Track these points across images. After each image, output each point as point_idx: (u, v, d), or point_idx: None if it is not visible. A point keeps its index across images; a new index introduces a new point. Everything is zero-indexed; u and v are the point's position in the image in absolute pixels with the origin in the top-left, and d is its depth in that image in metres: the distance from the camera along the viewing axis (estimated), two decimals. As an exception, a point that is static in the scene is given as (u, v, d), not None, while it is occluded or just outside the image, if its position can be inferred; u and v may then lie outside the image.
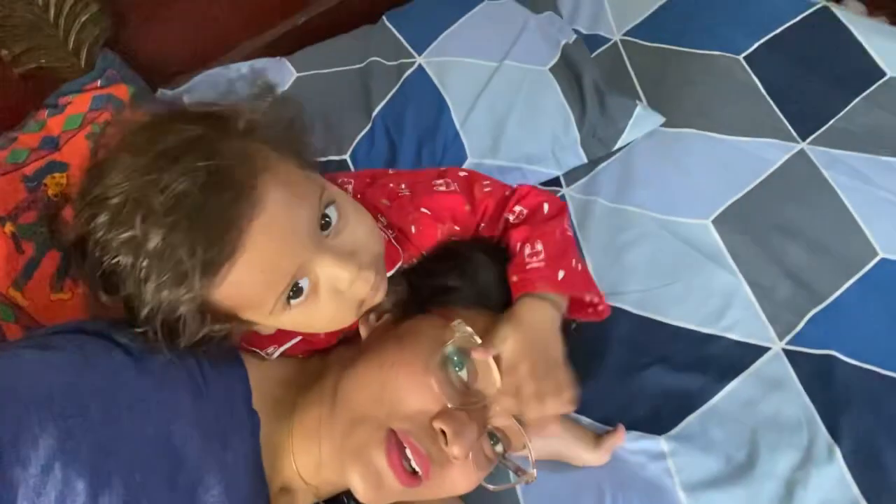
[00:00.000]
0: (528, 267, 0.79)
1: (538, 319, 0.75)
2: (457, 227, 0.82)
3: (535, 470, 0.73)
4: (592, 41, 1.31)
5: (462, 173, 0.88)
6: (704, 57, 1.26)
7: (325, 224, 0.65)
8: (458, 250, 0.82)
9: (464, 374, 0.70)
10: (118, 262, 0.59)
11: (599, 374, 0.97)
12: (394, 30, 1.21)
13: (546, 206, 0.85)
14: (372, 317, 0.78)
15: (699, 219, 1.09)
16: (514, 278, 0.78)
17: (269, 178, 0.60)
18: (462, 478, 0.70)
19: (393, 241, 0.78)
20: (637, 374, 0.96)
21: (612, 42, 1.31)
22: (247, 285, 0.61)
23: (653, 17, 1.32)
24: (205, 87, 1.08)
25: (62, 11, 1.02)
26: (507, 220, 0.84)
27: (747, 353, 0.97)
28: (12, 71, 1.02)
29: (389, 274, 0.75)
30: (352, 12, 1.30)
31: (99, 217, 0.59)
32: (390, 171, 0.91)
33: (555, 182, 1.17)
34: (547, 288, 0.77)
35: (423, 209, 0.81)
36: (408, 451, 0.66)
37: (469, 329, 0.71)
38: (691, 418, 0.93)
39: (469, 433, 0.67)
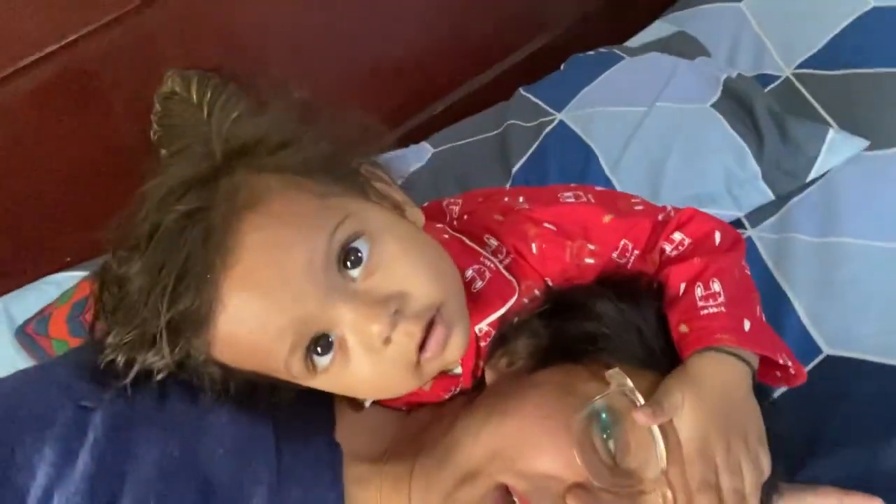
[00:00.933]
0: (702, 313, 0.57)
1: (725, 381, 0.55)
2: (592, 247, 0.62)
3: None
4: (759, 81, 1.15)
5: (599, 188, 0.70)
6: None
7: (353, 262, 0.51)
8: (601, 286, 0.62)
9: (611, 443, 0.52)
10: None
11: (831, 451, 0.70)
12: (530, 96, 1.14)
13: (718, 236, 0.63)
14: (503, 361, 0.61)
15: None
16: (684, 328, 0.57)
17: (251, 217, 0.49)
18: None
19: (504, 270, 0.61)
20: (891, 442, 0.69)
21: (782, 78, 1.15)
22: (243, 350, 0.51)
23: (827, 47, 1.15)
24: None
25: (213, 110, 1.06)
26: (664, 250, 0.62)
27: None
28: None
29: (498, 314, 0.59)
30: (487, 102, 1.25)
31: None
32: (508, 187, 0.75)
33: (737, 225, 0.97)
34: (732, 341, 0.56)
35: (546, 224, 0.62)
36: None
37: (629, 382, 0.52)
38: None
39: None
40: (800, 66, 1.15)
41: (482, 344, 0.61)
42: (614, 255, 0.62)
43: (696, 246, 0.62)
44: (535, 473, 0.52)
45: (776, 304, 0.85)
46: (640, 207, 0.65)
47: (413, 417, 0.65)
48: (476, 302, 0.58)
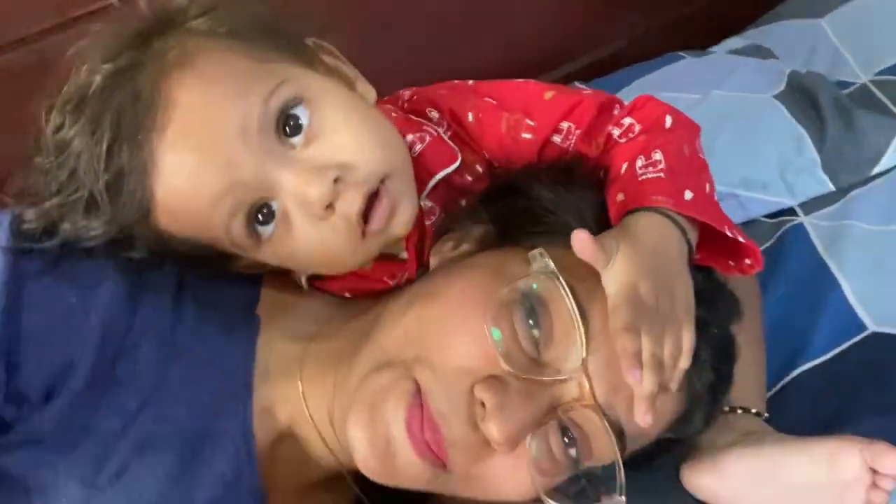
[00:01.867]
0: (640, 179, 0.53)
1: (658, 241, 0.49)
2: (530, 122, 0.58)
3: (623, 497, 0.47)
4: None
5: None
6: None
7: (292, 129, 0.50)
8: (539, 169, 0.59)
9: (536, 332, 0.48)
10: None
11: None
12: (583, 86, 1.11)
13: (670, 119, 0.58)
14: (448, 245, 0.58)
15: None
16: (620, 197, 0.53)
17: (181, 76, 0.48)
18: (507, 478, 0.49)
19: (447, 138, 0.60)
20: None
21: (859, 84, 1.07)
22: (182, 216, 0.50)
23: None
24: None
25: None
26: (611, 135, 0.58)
27: None
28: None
29: (439, 176, 0.58)
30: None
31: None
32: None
33: (789, 212, 0.89)
34: (668, 204, 0.51)
35: (486, 98, 0.60)
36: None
37: (551, 263, 0.48)
38: None
39: (520, 412, 0.46)
40: (879, 74, 1.07)
41: (427, 222, 0.59)
42: (557, 139, 0.58)
43: (646, 130, 0.57)
44: (450, 367, 0.48)
45: (821, 284, 0.77)
46: (589, 92, 0.62)
47: (353, 303, 0.62)
48: (416, 166, 0.57)
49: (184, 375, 0.54)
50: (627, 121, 0.58)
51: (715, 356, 0.52)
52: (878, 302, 0.72)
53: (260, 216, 0.50)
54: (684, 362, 0.47)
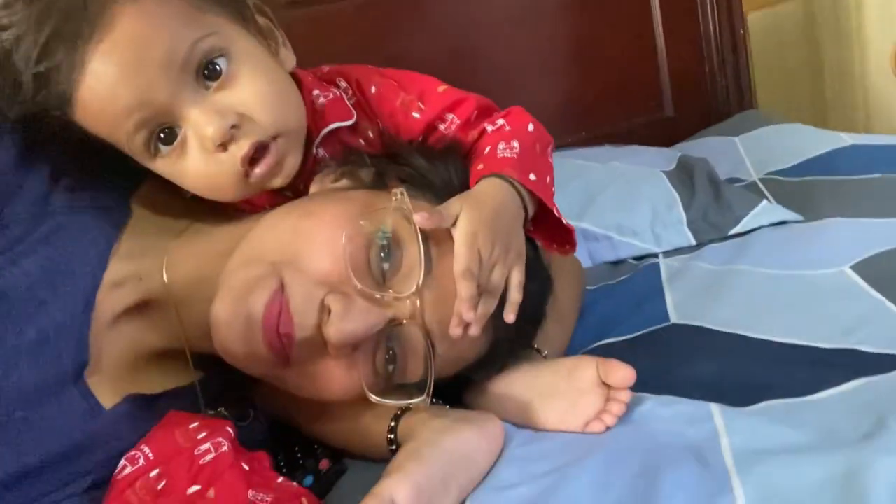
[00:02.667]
0: (497, 156, 0.64)
1: (500, 200, 0.60)
2: (422, 105, 0.69)
3: (429, 398, 0.56)
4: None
5: None
6: (862, 181, 1.09)
7: (209, 74, 0.57)
8: (421, 141, 0.69)
9: (386, 265, 0.56)
10: None
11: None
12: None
13: (532, 126, 0.69)
14: (330, 177, 0.65)
15: (832, 268, 0.83)
16: (480, 166, 0.63)
17: (127, 4, 0.54)
18: (337, 376, 0.56)
19: (348, 102, 0.70)
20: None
21: (748, 181, 1.21)
22: (94, 116, 0.56)
23: (796, 166, 1.22)
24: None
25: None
26: (485, 129, 0.69)
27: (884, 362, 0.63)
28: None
29: (333, 126, 0.67)
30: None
31: None
32: None
33: (651, 256, 1.01)
34: (514, 175, 0.62)
35: (391, 79, 0.71)
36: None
37: (408, 201, 0.57)
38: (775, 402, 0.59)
39: (359, 321, 0.53)
40: (767, 175, 1.22)
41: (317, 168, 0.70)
42: (441, 126, 0.70)
43: (512, 127, 0.69)
44: (310, 274, 0.55)
45: (651, 296, 0.87)
46: (478, 97, 0.73)
47: (230, 210, 0.69)
48: (315, 115, 0.68)
49: (46, 238, 0.59)
50: (500, 121, 0.69)
51: (522, 317, 0.60)
52: (686, 307, 0.81)
53: (162, 135, 0.57)
54: (515, 295, 0.58)
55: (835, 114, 1.96)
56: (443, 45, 1.37)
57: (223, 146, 0.57)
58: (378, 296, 0.55)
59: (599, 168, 1.14)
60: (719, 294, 0.83)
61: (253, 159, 0.59)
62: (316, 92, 0.69)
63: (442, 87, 0.71)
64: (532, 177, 0.63)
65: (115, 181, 0.65)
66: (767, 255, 0.91)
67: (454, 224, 0.57)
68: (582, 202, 1.06)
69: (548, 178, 0.67)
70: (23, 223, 0.59)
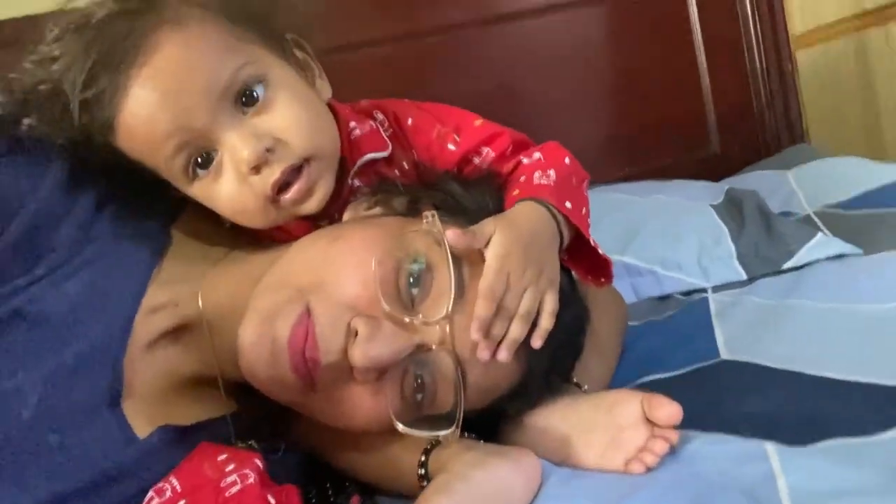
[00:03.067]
0: (534, 182, 0.63)
1: (536, 224, 0.59)
2: (457, 138, 0.69)
3: (459, 429, 0.55)
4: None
5: None
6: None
7: (247, 100, 0.58)
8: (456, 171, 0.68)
9: (416, 290, 0.55)
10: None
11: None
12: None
13: (567, 159, 0.68)
14: (363, 205, 0.66)
15: (892, 302, 0.78)
16: (516, 192, 0.63)
17: (170, 32, 0.56)
18: (363, 402, 0.55)
19: (384, 134, 0.70)
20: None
21: (802, 215, 1.16)
22: (135, 140, 0.58)
23: (853, 199, 1.17)
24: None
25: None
26: (521, 161, 0.68)
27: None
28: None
29: (368, 157, 0.67)
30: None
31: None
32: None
33: (700, 291, 0.97)
34: (551, 200, 0.61)
35: (428, 112, 0.72)
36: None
37: (438, 223, 0.56)
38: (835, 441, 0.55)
39: (386, 345, 0.52)
40: (822, 208, 1.17)
41: (352, 200, 0.69)
42: (476, 160, 0.69)
43: (548, 159, 0.68)
44: (338, 299, 0.54)
45: (699, 330, 0.83)
46: (513, 131, 0.73)
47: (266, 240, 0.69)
48: (352, 146, 0.69)
49: (88, 262, 0.60)
50: (536, 154, 0.68)
51: (558, 347, 0.59)
52: (738, 342, 0.77)
53: (199, 160, 0.58)
54: (546, 322, 0.56)
55: (893, 149, 1.89)
56: (485, 82, 1.37)
57: (256, 169, 0.58)
58: (407, 320, 0.54)
59: (642, 201, 1.11)
60: (774, 329, 0.79)
61: (285, 185, 0.59)
62: (353, 124, 0.70)
63: (478, 121, 0.71)
64: (568, 204, 0.62)
65: (157, 208, 0.67)
66: (824, 290, 0.86)
67: (487, 244, 0.56)
68: (624, 236, 1.03)
69: (584, 209, 0.65)
70: (67, 248, 0.60)
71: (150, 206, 0.66)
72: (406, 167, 0.71)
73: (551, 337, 0.57)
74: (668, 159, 1.52)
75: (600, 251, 0.63)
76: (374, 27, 1.30)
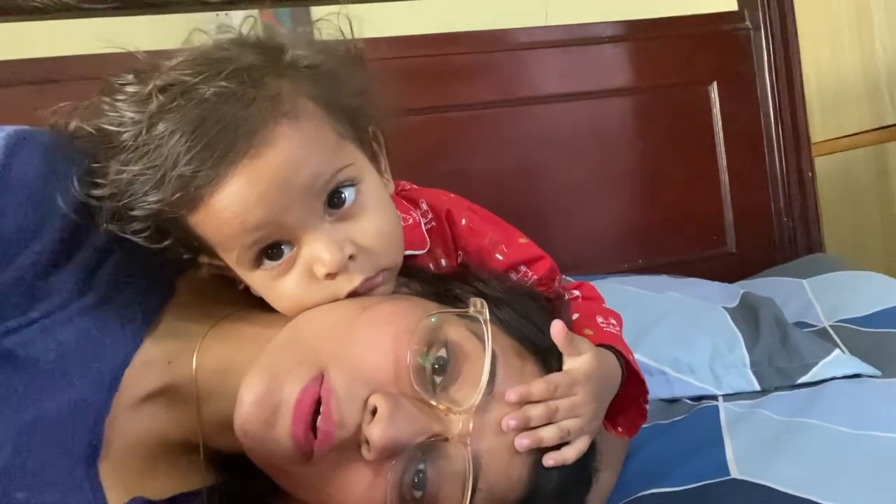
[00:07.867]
0: (604, 329, 0.66)
1: (612, 370, 0.62)
2: (505, 249, 0.70)
3: None
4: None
5: None
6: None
7: (336, 202, 0.56)
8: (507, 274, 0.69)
9: (440, 378, 0.53)
10: (114, 131, 0.54)
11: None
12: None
13: (605, 303, 0.73)
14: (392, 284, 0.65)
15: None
16: (588, 332, 0.64)
17: (285, 127, 0.53)
18: (359, 485, 0.52)
19: (423, 228, 0.70)
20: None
21: (818, 327, 1.13)
22: (217, 224, 0.54)
23: (870, 315, 1.14)
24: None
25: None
26: (570, 291, 0.72)
27: None
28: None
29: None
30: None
31: (120, 91, 0.55)
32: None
33: (711, 397, 0.93)
34: (624, 352, 0.64)
35: (479, 216, 0.73)
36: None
37: (487, 311, 0.55)
38: None
39: (404, 426, 0.50)
40: (838, 321, 1.14)
41: None
42: (514, 277, 0.70)
43: (600, 304, 0.72)
44: (359, 371, 0.52)
45: (708, 443, 0.79)
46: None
47: None
48: None
49: (85, 310, 0.58)
50: (576, 292, 0.73)
51: (567, 479, 0.57)
52: (749, 460, 0.73)
53: (272, 251, 0.55)
54: (569, 454, 0.55)
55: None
56: (506, 161, 1.37)
57: (333, 275, 0.55)
58: (433, 403, 0.52)
59: (655, 297, 1.09)
60: (786, 449, 0.75)
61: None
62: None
63: (523, 239, 0.73)
64: (630, 356, 0.64)
65: (165, 259, 0.62)
66: (840, 411, 0.83)
67: (574, 355, 0.57)
68: (635, 332, 0.99)
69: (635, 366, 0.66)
70: (66, 293, 0.57)
71: (158, 255, 0.61)
72: (442, 263, 0.71)
73: (563, 470, 0.55)
74: (682, 254, 1.51)
75: (645, 406, 0.66)
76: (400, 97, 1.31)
